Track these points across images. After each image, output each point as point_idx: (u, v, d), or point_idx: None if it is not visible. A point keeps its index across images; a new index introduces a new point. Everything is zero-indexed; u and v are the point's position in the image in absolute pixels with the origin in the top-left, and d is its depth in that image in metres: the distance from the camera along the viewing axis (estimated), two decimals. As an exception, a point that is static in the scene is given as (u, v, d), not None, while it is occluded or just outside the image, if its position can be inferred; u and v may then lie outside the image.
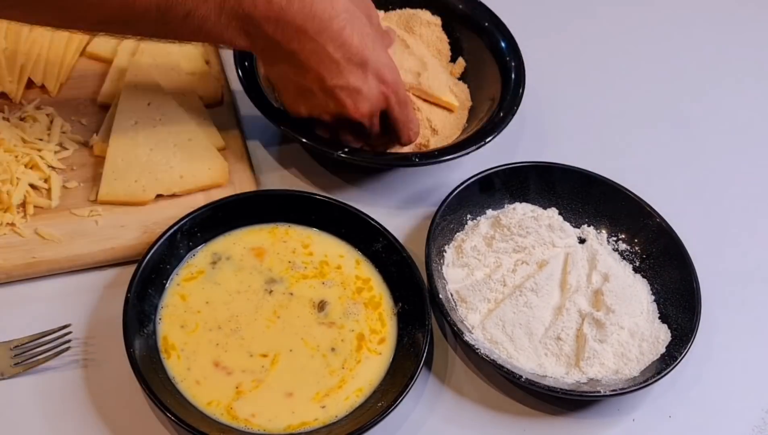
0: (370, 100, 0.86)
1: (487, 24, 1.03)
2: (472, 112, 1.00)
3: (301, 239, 0.88)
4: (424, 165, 0.92)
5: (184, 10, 0.78)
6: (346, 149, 0.89)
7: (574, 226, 0.93)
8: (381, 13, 1.03)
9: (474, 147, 0.91)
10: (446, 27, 1.05)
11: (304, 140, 0.90)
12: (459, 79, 1.04)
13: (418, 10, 1.05)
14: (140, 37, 0.87)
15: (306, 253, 0.87)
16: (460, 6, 1.05)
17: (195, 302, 0.82)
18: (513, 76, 0.98)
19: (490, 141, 0.92)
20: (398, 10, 1.05)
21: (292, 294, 0.84)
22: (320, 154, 0.96)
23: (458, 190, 0.90)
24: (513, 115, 0.95)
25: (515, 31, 1.02)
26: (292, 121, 0.90)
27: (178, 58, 0.99)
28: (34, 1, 0.77)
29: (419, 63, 0.98)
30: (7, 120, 0.91)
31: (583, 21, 1.21)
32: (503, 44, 1.01)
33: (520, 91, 0.97)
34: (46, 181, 0.89)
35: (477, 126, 0.95)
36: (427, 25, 1.04)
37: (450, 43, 1.05)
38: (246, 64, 0.93)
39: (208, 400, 0.76)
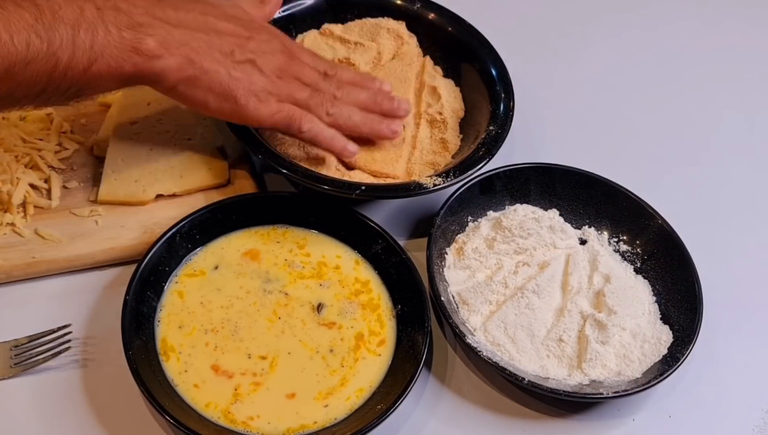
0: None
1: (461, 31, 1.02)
2: (465, 122, 0.98)
3: (297, 241, 0.87)
4: (438, 190, 0.88)
5: (68, 26, 0.71)
6: (363, 187, 0.86)
7: (575, 228, 0.93)
8: (339, 26, 1.02)
9: (484, 162, 0.90)
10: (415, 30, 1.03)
11: (325, 187, 0.85)
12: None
13: (380, 19, 1.02)
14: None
15: (303, 254, 0.87)
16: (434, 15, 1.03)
17: (193, 303, 0.82)
18: (497, 85, 0.97)
19: (495, 153, 0.91)
20: (358, 21, 1.02)
21: (287, 294, 0.84)
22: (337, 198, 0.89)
23: (459, 191, 0.89)
24: (510, 124, 0.94)
25: (513, 31, 1.02)
26: (305, 172, 0.87)
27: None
28: None
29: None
30: (7, 120, 0.91)
31: (583, 20, 1.21)
32: (482, 52, 1.00)
33: (511, 103, 0.96)
34: (46, 181, 0.89)
35: (477, 139, 0.93)
36: (395, 35, 1.01)
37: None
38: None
39: (206, 403, 0.76)
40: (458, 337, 0.81)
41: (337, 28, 1.02)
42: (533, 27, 1.18)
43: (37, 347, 0.78)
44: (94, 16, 0.73)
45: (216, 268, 0.84)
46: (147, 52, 0.76)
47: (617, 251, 0.92)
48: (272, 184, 0.94)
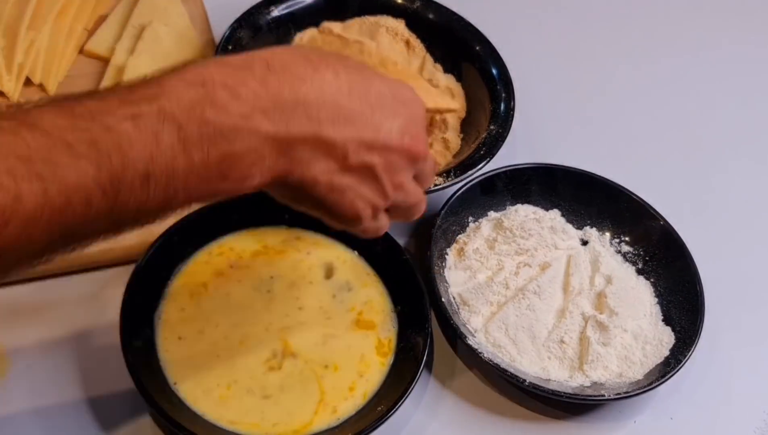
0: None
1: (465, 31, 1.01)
2: (465, 122, 0.97)
3: (298, 242, 0.87)
4: (439, 190, 0.87)
5: (138, 170, 0.54)
6: None
7: (576, 228, 0.93)
8: (338, 24, 1.01)
9: (485, 162, 0.89)
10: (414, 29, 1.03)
11: None
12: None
13: (380, 17, 1.02)
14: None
15: (304, 253, 0.86)
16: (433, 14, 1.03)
17: (194, 304, 0.81)
18: (498, 84, 0.97)
19: (496, 153, 0.91)
20: (357, 18, 1.02)
21: (296, 298, 0.83)
22: None
23: (460, 192, 0.89)
24: (510, 124, 0.94)
25: (513, 30, 1.02)
26: None
27: (176, 57, 0.99)
28: None
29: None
30: (6, 119, 0.91)
31: (584, 20, 1.21)
32: (484, 51, 1.00)
33: (512, 103, 0.95)
34: (45, 180, 0.88)
35: (477, 139, 0.93)
36: (394, 33, 1.01)
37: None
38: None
39: (205, 402, 0.76)
40: (459, 338, 0.81)
41: (336, 27, 1.01)
42: (534, 26, 1.17)
43: None
44: (173, 143, 0.55)
45: (217, 271, 0.84)
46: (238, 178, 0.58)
47: (619, 252, 0.92)
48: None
